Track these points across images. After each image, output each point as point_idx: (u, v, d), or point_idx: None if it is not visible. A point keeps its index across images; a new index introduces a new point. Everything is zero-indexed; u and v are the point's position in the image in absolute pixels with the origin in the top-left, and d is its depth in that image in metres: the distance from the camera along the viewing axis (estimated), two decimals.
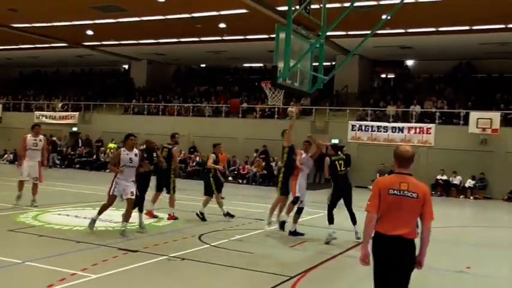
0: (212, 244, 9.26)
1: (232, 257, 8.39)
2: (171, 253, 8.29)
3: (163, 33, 25.56)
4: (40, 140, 12.70)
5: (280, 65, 8.77)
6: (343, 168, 10.37)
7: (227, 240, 9.69)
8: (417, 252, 4.55)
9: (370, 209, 4.54)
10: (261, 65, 33.87)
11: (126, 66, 37.38)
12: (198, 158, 25.16)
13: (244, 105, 28.22)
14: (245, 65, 34.85)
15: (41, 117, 32.64)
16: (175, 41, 27.18)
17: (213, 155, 12.01)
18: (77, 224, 10.70)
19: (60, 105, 33.35)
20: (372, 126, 23.88)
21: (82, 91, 35.21)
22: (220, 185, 12.16)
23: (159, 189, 12.01)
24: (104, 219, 11.21)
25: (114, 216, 11.41)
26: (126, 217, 9.52)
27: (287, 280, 7.06)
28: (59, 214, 11.80)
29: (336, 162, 10.39)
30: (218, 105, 29.02)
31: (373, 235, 4.59)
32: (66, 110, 32.84)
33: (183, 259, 8.06)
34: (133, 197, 9.54)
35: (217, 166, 11.94)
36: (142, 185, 10.32)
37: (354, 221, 10.15)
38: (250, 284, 6.96)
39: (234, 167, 24.39)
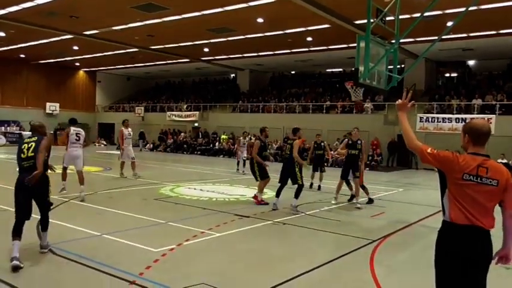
0: (307, 213, 9.27)
1: (323, 224, 8.33)
2: (275, 219, 8.42)
3: (261, 48, 25.74)
4: (132, 131, 14.62)
5: (361, 67, 8.59)
6: (288, 151, 9.47)
7: (318, 210, 9.64)
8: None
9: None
10: (341, 69, 33.07)
11: (233, 75, 38.15)
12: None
13: (328, 103, 27.79)
14: (327, 70, 34.20)
15: (171, 116, 34.28)
16: (271, 53, 27.25)
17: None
18: (202, 195, 11.17)
19: (185, 106, 34.76)
20: (438, 118, 22.52)
21: (201, 95, 36.46)
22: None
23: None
24: (221, 192, 11.67)
25: (229, 190, 11.78)
26: None
27: (370, 243, 6.91)
28: (188, 188, 12.35)
29: (286, 144, 9.65)
30: (306, 104, 28.83)
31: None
32: (190, 110, 34.12)
33: (284, 224, 8.15)
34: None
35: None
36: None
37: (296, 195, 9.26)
38: (339, 245, 6.89)
39: None
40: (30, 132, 6.30)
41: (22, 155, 5.55)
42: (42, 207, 5.72)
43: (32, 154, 5.49)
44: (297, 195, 9.24)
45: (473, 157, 3.01)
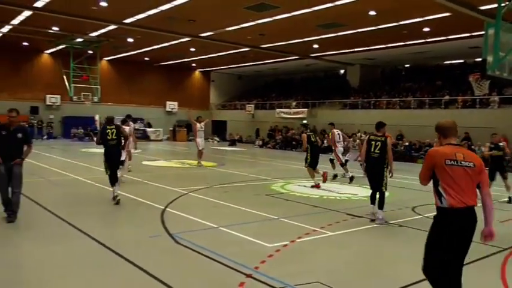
0: (425, 215, 8.72)
1: None
2: (390, 220, 8.06)
3: (373, 41, 24.83)
4: (203, 125, 16.82)
5: (489, 58, 7.83)
6: (377, 151, 7.87)
7: None
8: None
9: None
10: (461, 60, 30.47)
11: (342, 71, 37.42)
12: (406, 143, 24.12)
13: (446, 97, 25.80)
14: (446, 62, 31.74)
15: (280, 113, 34.76)
16: (383, 46, 26.14)
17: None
18: (312, 192, 11.12)
19: (293, 103, 35.03)
20: None
21: (309, 92, 36.41)
22: None
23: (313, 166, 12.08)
24: (331, 190, 11.51)
25: (339, 188, 11.58)
26: None
27: (500, 251, 6.26)
28: (298, 185, 12.41)
29: (373, 143, 7.96)
30: (422, 98, 27.13)
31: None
32: (298, 107, 34.30)
33: (401, 226, 7.77)
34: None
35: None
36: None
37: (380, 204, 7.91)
38: None
39: None
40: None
41: (108, 137, 8.90)
42: (116, 166, 9.05)
43: (116, 137, 8.95)
44: (382, 205, 7.87)
45: (448, 147, 3.78)
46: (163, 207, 8.34)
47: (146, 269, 4.99)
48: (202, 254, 5.60)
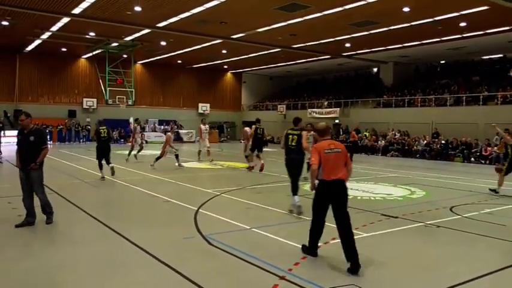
0: (464, 215, 8.40)
1: (485, 228, 7.42)
2: (427, 221, 7.80)
3: (407, 38, 24.25)
4: (208, 127, 19.32)
5: None
6: (294, 143, 8.38)
7: (477, 213, 8.65)
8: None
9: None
10: (500, 55, 29.29)
11: (376, 69, 36.76)
12: (443, 141, 23.44)
13: (485, 93, 24.86)
14: (484, 57, 30.59)
15: (312, 113, 34.46)
16: (417, 43, 25.49)
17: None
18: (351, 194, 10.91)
19: (326, 103, 34.64)
20: None
21: (341, 91, 35.94)
22: None
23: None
24: (366, 191, 11.29)
25: (374, 188, 11.33)
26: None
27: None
28: None
29: (290, 136, 8.47)
30: (459, 95, 26.24)
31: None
32: (330, 107, 33.93)
33: (438, 226, 7.50)
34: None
35: None
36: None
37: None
38: (506, 253, 6.06)
39: (476, 149, 21.86)
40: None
41: (101, 135, 12.54)
42: (104, 156, 12.61)
43: (106, 135, 12.63)
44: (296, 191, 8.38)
45: (325, 141, 5.57)
46: (196, 209, 8.37)
47: (179, 270, 5.00)
48: (235, 256, 5.58)
